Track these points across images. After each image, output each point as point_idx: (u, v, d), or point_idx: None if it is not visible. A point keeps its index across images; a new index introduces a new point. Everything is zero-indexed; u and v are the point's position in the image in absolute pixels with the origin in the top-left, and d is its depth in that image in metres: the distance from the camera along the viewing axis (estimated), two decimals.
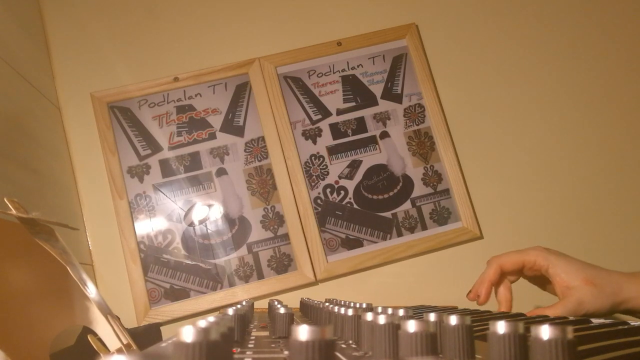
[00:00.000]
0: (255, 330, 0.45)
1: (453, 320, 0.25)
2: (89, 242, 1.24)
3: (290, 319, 0.39)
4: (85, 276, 0.50)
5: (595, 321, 0.46)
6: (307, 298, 0.67)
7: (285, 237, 1.26)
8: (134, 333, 0.54)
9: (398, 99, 1.36)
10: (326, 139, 1.32)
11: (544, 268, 0.67)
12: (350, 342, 0.35)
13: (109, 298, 0.58)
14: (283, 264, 1.25)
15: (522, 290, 0.82)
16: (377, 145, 1.33)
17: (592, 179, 1.36)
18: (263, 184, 1.29)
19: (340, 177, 1.31)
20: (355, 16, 1.41)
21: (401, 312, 0.32)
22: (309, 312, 0.58)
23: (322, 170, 1.30)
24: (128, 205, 1.24)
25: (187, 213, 1.26)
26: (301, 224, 1.26)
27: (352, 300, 0.55)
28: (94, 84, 1.30)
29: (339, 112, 1.35)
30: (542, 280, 0.73)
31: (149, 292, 1.21)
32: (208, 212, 1.27)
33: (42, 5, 1.34)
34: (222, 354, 0.20)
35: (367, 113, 1.35)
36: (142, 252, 1.23)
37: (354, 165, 1.32)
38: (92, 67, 1.32)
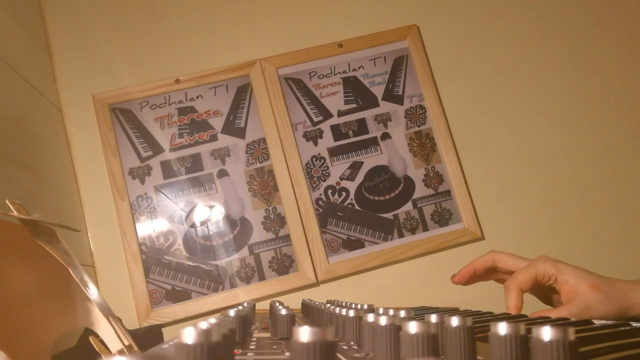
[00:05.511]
0: (256, 331, 0.45)
1: (454, 321, 0.25)
2: (91, 244, 1.25)
3: (292, 320, 0.39)
4: (86, 277, 0.50)
5: (597, 322, 0.46)
6: (309, 299, 0.67)
7: (287, 238, 1.26)
8: (135, 334, 0.54)
9: (399, 100, 1.36)
10: (327, 141, 1.33)
11: (554, 276, 0.67)
12: (352, 343, 0.35)
13: (110, 299, 0.58)
14: (284, 265, 1.25)
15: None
16: (378, 147, 1.33)
17: (594, 180, 1.36)
18: (264, 185, 1.29)
19: (341, 179, 1.31)
20: (356, 18, 1.41)
21: (402, 314, 0.32)
22: (310, 313, 0.58)
23: (324, 172, 1.30)
24: (129, 206, 1.25)
25: (189, 214, 1.26)
26: (302, 225, 1.26)
27: (354, 302, 0.55)
28: (96, 85, 1.30)
29: (340, 113, 1.35)
30: (543, 291, 0.72)
31: (151, 293, 1.21)
32: (209, 213, 1.27)
33: (43, 7, 1.35)
34: (224, 356, 0.20)
35: (368, 114, 1.35)
36: (144, 253, 1.23)
37: (355, 167, 1.32)
38: (93, 69, 1.33)
